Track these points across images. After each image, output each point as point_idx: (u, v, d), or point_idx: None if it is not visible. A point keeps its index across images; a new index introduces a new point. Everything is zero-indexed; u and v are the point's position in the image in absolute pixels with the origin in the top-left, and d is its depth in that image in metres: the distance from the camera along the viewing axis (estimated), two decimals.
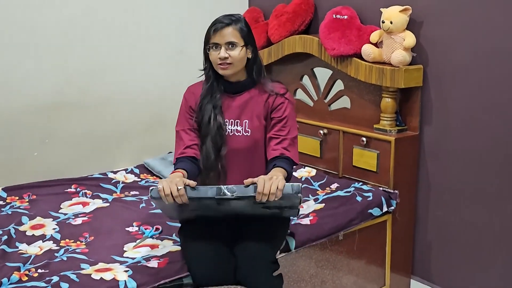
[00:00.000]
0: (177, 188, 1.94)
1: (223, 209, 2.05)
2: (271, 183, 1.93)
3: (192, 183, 1.99)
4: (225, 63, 2.17)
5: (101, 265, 2.12)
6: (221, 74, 2.23)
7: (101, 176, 3.11)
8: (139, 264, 2.11)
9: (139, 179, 3.14)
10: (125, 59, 3.33)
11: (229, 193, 1.95)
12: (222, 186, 1.97)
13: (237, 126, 2.26)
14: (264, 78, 2.29)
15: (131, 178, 3.14)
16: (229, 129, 2.25)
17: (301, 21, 3.22)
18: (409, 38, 2.68)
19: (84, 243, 2.34)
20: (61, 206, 2.73)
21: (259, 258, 2.07)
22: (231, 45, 2.17)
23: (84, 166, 3.23)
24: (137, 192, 2.94)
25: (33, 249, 2.28)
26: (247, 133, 2.25)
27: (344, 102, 3.14)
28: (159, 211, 2.63)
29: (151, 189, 2.00)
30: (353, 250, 2.64)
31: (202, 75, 2.30)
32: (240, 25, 2.21)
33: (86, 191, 2.91)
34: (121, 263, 2.14)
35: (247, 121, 2.25)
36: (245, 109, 2.26)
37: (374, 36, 2.81)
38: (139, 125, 3.45)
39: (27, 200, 2.78)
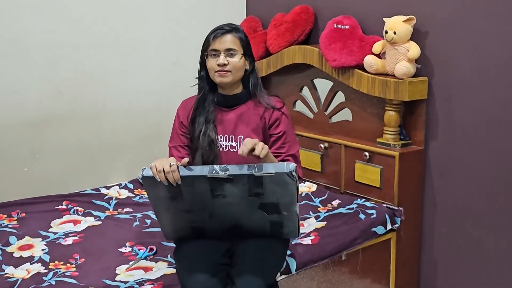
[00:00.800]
0: (170, 164, 1.88)
1: (218, 208, 1.96)
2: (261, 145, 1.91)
3: (185, 161, 1.93)
4: (223, 70, 2.09)
5: None
6: (217, 85, 2.15)
7: (94, 191, 3.00)
8: None
9: (133, 195, 3.03)
10: (118, 69, 3.23)
11: (221, 172, 1.88)
12: (215, 165, 1.91)
13: (232, 142, 2.17)
14: (260, 91, 2.21)
15: (124, 193, 3.03)
16: (223, 145, 2.17)
17: (301, 31, 3.12)
18: (414, 49, 2.59)
19: (74, 266, 2.22)
20: (51, 225, 2.62)
21: (258, 281, 1.95)
22: (231, 52, 2.10)
23: (76, 181, 3.12)
24: (130, 209, 2.83)
25: (20, 273, 2.16)
26: None
27: (345, 114, 3.04)
28: (153, 229, 2.54)
29: (144, 168, 1.93)
30: (357, 270, 2.54)
31: (195, 84, 2.21)
32: (240, 34, 2.16)
33: (77, 208, 2.80)
34: None
35: (242, 136, 2.15)
36: (240, 124, 2.17)
37: (377, 47, 2.72)
38: (133, 137, 3.34)
39: (16, 218, 2.67)
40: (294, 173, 1.87)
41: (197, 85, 2.21)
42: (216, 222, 2.05)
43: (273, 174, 1.87)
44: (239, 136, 2.16)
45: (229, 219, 2.04)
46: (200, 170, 1.92)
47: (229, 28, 2.13)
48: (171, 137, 2.25)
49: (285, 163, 1.90)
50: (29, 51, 2.94)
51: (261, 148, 1.92)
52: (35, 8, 2.93)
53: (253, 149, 1.92)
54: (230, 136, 2.16)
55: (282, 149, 2.14)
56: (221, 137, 2.17)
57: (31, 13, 2.92)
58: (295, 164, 1.89)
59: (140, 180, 1.97)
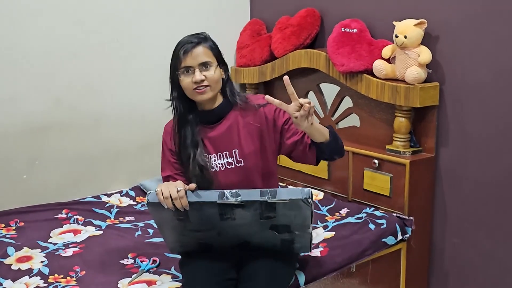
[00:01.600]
0: (177, 189, 1.78)
1: (227, 227, 1.87)
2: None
3: (193, 186, 1.83)
4: (202, 86, 1.94)
5: None
6: (196, 102, 2.01)
7: (94, 199, 2.93)
8: None
9: (135, 203, 2.95)
10: (118, 76, 3.14)
11: (232, 198, 1.78)
12: (225, 190, 1.81)
13: (227, 158, 2.03)
14: (239, 96, 2.06)
15: (126, 201, 2.96)
16: (219, 164, 2.03)
17: (307, 34, 3.04)
18: (425, 54, 2.51)
19: (74, 279, 2.14)
20: (50, 235, 2.54)
21: None
22: (205, 65, 1.95)
23: (76, 188, 3.04)
24: (132, 218, 2.76)
25: (18, 287, 2.08)
26: (240, 164, 2.02)
27: (353, 120, 2.96)
28: (156, 239, 2.46)
29: (149, 193, 1.84)
30: (366, 282, 2.46)
31: (169, 106, 2.06)
32: (210, 43, 2.00)
33: (78, 217, 2.72)
34: None
35: (236, 150, 2.02)
36: (231, 136, 2.03)
37: (387, 51, 2.64)
38: (134, 144, 3.26)
39: (14, 227, 2.59)
40: (310, 200, 1.77)
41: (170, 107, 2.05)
42: (224, 240, 1.97)
43: (287, 201, 1.78)
44: (233, 151, 2.02)
45: (239, 238, 1.97)
46: (209, 195, 1.83)
47: (198, 40, 1.97)
48: (162, 167, 2.11)
49: (300, 188, 1.79)
50: (28, 59, 2.86)
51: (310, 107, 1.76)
52: (34, 15, 2.84)
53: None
54: (224, 152, 2.03)
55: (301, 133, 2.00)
56: (214, 156, 2.03)
57: (29, 20, 2.84)
58: (310, 190, 1.78)
59: (146, 205, 1.87)
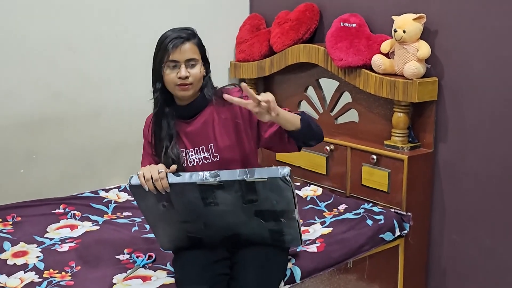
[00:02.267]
0: (158, 171, 1.80)
1: (212, 216, 1.88)
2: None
3: (174, 167, 1.85)
4: (185, 83, 1.94)
5: None
6: (174, 96, 2.01)
7: (92, 194, 2.91)
8: None
9: (133, 198, 2.93)
10: (117, 70, 3.13)
11: (211, 179, 1.79)
12: (205, 171, 1.82)
13: (204, 153, 2.03)
14: (217, 91, 2.06)
15: (124, 196, 2.95)
16: (196, 158, 2.03)
17: (306, 29, 3.02)
18: (424, 49, 2.49)
19: (69, 274, 2.13)
20: (47, 230, 2.53)
21: None
22: (192, 62, 1.95)
23: (74, 183, 3.03)
24: (129, 213, 2.75)
25: (13, 282, 2.07)
26: (216, 158, 2.02)
27: (352, 115, 2.94)
28: (152, 235, 2.43)
29: (131, 176, 1.86)
30: (363, 278, 2.45)
31: (152, 98, 2.06)
32: (197, 40, 2.00)
33: (75, 212, 2.71)
34: None
35: (212, 144, 2.02)
36: (207, 131, 2.03)
37: (385, 46, 2.62)
38: (133, 139, 3.22)
39: (11, 222, 2.58)
40: (288, 178, 1.76)
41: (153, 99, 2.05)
42: (212, 232, 1.97)
43: (265, 179, 1.77)
44: (209, 145, 2.02)
45: (226, 228, 1.96)
46: (189, 177, 1.84)
47: (187, 35, 1.96)
48: (142, 159, 2.13)
49: (279, 167, 1.79)
50: (26, 52, 2.85)
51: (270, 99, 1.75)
52: (32, 8, 2.83)
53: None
54: (201, 147, 2.03)
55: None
56: (191, 150, 2.03)
57: (27, 13, 2.82)
58: (289, 168, 1.77)
59: (128, 188, 1.88)
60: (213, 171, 1.80)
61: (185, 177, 1.83)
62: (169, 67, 1.95)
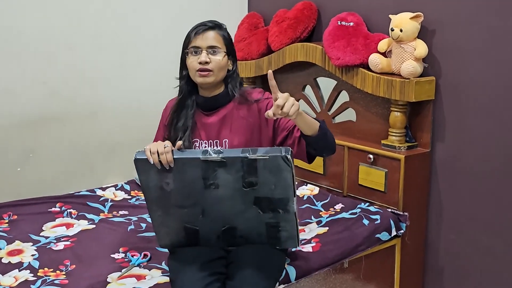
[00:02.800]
0: (164, 146, 1.81)
1: (211, 202, 1.89)
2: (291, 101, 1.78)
3: (180, 143, 1.87)
4: (205, 69, 1.98)
5: None
6: (198, 85, 2.04)
7: (89, 193, 2.90)
8: None
9: (130, 197, 2.94)
10: (115, 67, 3.13)
11: (215, 154, 1.80)
12: (209, 148, 1.86)
13: (217, 147, 2.05)
14: (241, 89, 2.09)
15: (120, 195, 2.94)
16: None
17: (304, 27, 3.01)
18: (421, 48, 2.48)
19: (64, 273, 2.13)
20: (43, 228, 2.53)
21: None
22: (214, 49, 1.99)
23: (71, 182, 3.04)
24: (126, 212, 2.74)
25: (7, 280, 2.07)
26: None
27: (349, 114, 2.94)
28: (148, 233, 2.45)
29: (137, 151, 1.89)
30: (359, 278, 2.44)
31: (178, 86, 2.11)
32: (224, 32, 2.05)
33: (71, 210, 2.71)
34: None
35: (226, 140, 2.05)
36: (224, 127, 2.06)
37: (383, 45, 2.61)
38: (131, 138, 3.24)
39: (7, 220, 2.58)
40: (289, 157, 1.76)
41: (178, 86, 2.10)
42: (209, 222, 1.96)
43: (267, 157, 1.78)
44: (224, 140, 2.05)
45: (223, 219, 1.95)
46: (193, 152, 1.87)
47: (212, 25, 2.02)
48: (155, 140, 2.16)
49: (281, 147, 1.79)
50: (23, 50, 2.85)
51: (290, 105, 1.76)
52: (29, 6, 2.83)
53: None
54: (215, 141, 2.06)
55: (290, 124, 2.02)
56: (205, 142, 2.06)
57: (24, 10, 2.83)
58: (290, 149, 1.78)
59: (134, 163, 1.90)
60: (216, 148, 1.84)
61: (189, 153, 1.87)
62: (191, 53, 2.00)
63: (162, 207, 1.96)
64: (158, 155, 1.82)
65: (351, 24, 2.72)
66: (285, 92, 1.85)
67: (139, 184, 2.04)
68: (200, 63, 1.98)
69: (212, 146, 2.06)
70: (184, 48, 2.04)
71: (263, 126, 2.06)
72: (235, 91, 2.07)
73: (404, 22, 2.48)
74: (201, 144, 2.08)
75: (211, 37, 2.00)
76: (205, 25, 2.01)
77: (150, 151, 1.83)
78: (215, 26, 2.03)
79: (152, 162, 1.84)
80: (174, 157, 1.84)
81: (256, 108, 2.06)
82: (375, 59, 2.60)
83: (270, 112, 1.79)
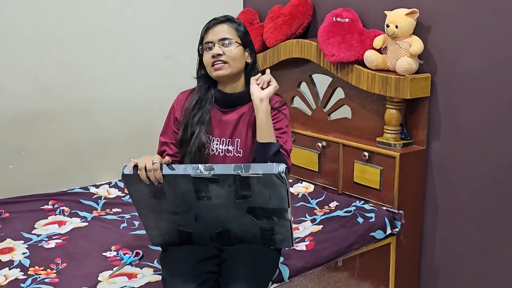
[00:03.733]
0: (153, 162, 1.77)
1: (204, 209, 1.85)
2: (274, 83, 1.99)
3: (168, 159, 1.82)
4: (219, 61, 1.96)
5: None
6: (218, 83, 2.03)
7: (82, 190, 2.88)
8: None
9: (123, 194, 2.91)
10: (108, 64, 3.10)
11: (206, 172, 1.75)
12: (199, 164, 1.79)
13: (229, 146, 2.03)
14: None
15: (114, 192, 2.92)
16: (219, 148, 2.03)
17: (299, 24, 2.99)
18: (416, 44, 2.45)
19: (55, 271, 2.10)
20: (35, 226, 2.50)
21: None
22: (226, 41, 1.98)
23: (65, 179, 3.02)
24: (119, 210, 2.72)
25: None
26: (239, 154, 2.03)
27: (345, 111, 2.91)
28: (141, 231, 2.42)
29: (124, 166, 1.83)
30: (354, 277, 2.42)
31: (196, 86, 2.11)
32: (236, 25, 2.04)
33: (64, 208, 2.68)
34: None
35: (239, 140, 2.03)
36: (239, 126, 2.04)
37: (378, 41, 2.58)
38: (124, 134, 3.22)
39: None
40: (283, 175, 1.73)
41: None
42: (203, 226, 1.93)
43: (260, 175, 1.74)
44: (236, 140, 2.03)
45: (217, 223, 1.93)
46: (183, 169, 1.81)
47: (223, 18, 2.02)
48: (164, 131, 2.12)
49: (274, 164, 1.76)
50: (15, 46, 2.83)
51: (269, 80, 1.96)
52: (22, 2, 2.81)
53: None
54: (228, 139, 2.03)
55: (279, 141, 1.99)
56: (217, 140, 2.04)
57: (16, 5, 2.80)
58: (285, 165, 1.74)
59: (121, 178, 1.86)
60: (207, 165, 1.78)
61: (180, 169, 1.82)
62: (205, 50, 2.00)
63: (154, 212, 1.93)
64: (146, 171, 1.78)
65: (346, 20, 2.70)
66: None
67: (130, 197, 2.00)
68: (213, 56, 1.97)
69: (223, 144, 2.03)
70: (199, 45, 2.03)
71: None
72: None
73: (399, 18, 2.46)
74: (212, 141, 2.05)
75: (222, 30, 1.99)
76: (216, 20, 2.01)
77: (138, 166, 1.79)
78: (226, 19, 2.03)
79: (140, 178, 1.80)
80: (163, 173, 1.80)
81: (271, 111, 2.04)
82: (370, 56, 2.58)
83: (253, 79, 1.95)
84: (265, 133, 1.92)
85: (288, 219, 1.86)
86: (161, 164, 1.81)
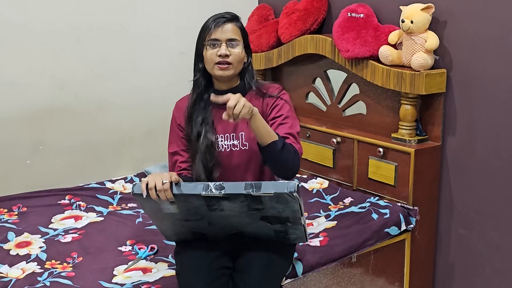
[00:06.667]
0: (162, 182, 1.75)
1: (217, 218, 1.84)
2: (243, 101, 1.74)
3: (177, 179, 1.79)
4: (224, 62, 1.94)
5: None
6: (214, 77, 2.01)
7: (98, 185, 2.92)
8: None
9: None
10: (123, 61, 3.12)
11: (216, 191, 1.74)
12: (210, 183, 1.76)
13: (233, 140, 2.02)
14: (256, 82, 2.06)
15: (130, 188, 2.92)
16: (224, 145, 2.02)
17: (313, 19, 2.98)
18: (432, 39, 2.43)
19: (71, 265, 2.13)
20: (52, 220, 2.54)
21: None
22: (233, 42, 1.95)
23: (81, 175, 3.04)
24: (134, 205, 2.74)
25: (15, 272, 2.08)
26: (245, 147, 2.02)
27: (360, 107, 2.90)
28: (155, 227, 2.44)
29: (134, 184, 1.82)
30: (368, 273, 2.41)
31: (191, 80, 2.06)
32: (241, 24, 2.02)
33: (80, 203, 2.72)
34: None
35: (243, 133, 2.02)
36: (241, 120, 2.01)
37: (393, 37, 2.57)
38: (139, 130, 3.24)
39: (16, 213, 2.60)
40: (295, 194, 1.71)
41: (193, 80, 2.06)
42: (217, 229, 1.94)
43: (272, 194, 1.73)
44: (240, 133, 2.02)
45: (231, 227, 1.93)
46: (194, 187, 1.79)
47: (231, 17, 1.99)
48: (170, 142, 2.10)
49: (286, 182, 1.73)
50: (32, 43, 2.85)
51: (241, 106, 1.73)
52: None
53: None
54: (231, 134, 2.03)
55: (282, 128, 1.96)
56: (221, 136, 2.03)
57: (32, 5, 2.82)
58: (296, 183, 1.72)
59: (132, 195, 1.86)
60: (218, 183, 1.76)
61: (190, 188, 1.79)
62: (210, 46, 1.96)
63: (167, 219, 1.93)
64: (156, 191, 1.77)
65: (361, 15, 2.68)
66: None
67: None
68: (220, 55, 1.94)
69: (228, 140, 2.02)
70: (201, 40, 1.99)
71: (266, 117, 2.02)
72: (252, 83, 2.04)
73: (415, 13, 2.44)
74: (217, 139, 2.04)
75: (230, 30, 1.96)
76: (224, 17, 1.97)
77: (148, 185, 1.77)
78: (233, 18, 1.99)
79: (151, 198, 1.78)
80: (174, 193, 1.78)
81: (265, 103, 2.03)
82: (385, 51, 2.56)
83: (224, 115, 1.75)
84: (265, 136, 1.87)
85: (302, 224, 1.86)
86: (171, 183, 1.79)
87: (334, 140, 2.84)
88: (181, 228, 1.96)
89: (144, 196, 1.78)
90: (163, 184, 1.76)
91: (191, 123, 2.03)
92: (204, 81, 2.02)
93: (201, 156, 1.99)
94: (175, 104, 2.13)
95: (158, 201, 1.79)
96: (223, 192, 1.74)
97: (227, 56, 1.94)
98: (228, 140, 2.03)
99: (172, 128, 2.11)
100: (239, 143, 2.02)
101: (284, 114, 2.00)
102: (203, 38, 1.97)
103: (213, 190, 1.75)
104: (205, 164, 1.98)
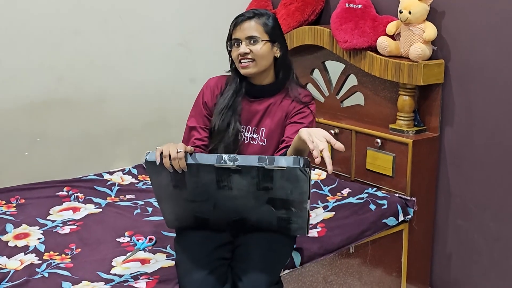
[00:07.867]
0: (177, 150, 1.75)
1: (223, 199, 1.85)
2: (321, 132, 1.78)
3: (191, 149, 1.80)
4: (246, 59, 1.99)
5: (84, 284, 1.92)
6: (242, 74, 2.05)
7: (96, 177, 2.91)
8: (125, 284, 1.91)
9: (137, 181, 2.94)
10: (122, 52, 3.11)
11: (230, 162, 1.75)
12: (224, 154, 1.78)
13: (254, 134, 2.07)
14: (291, 82, 2.10)
15: (128, 179, 2.94)
16: (243, 135, 2.08)
17: (311, 10, 2.97)
18: (430, 30, 2.43)
19: (69, 256, 2.14)
20: (50, 212, 2.54)
21: (262, 280, 1.86)
22: (252, 39, 1.99)
23: (79, 166, 3.04)
24: (133, 196, 2.74)
25: (13, 263, 2.08)
26: (262, 142, 2.07)
27: (358, 98, 2.90)
28: (154, 218, 2.45)
29: (148, 152, 1.81)
30: (366, 263, 2.42)
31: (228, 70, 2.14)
32: (264, 19, 2.03)
33: (78, 194, 2.71)
34: (106, 281, 1.94)
35: (264, 129, 2.07)
36: (265, 116, 2.08)
37: (391, 28, 2.57)
38: (137, 122, 3.24)
39: (15, 204, 2.59)
40: (307, 169, 1.72)
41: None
42: (220, 213, 1.94)
43: (284, 168, 1.73)
44: (261, 129, 2.07)
45: (234, 212, 1.94)
46: (207, 158, 1.79)
47: (251, 15, 2.02)
48: (192, 115, 2.13)
49: (299, 157, 1.74)
50: (30, 35, 2.85)
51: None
52: None
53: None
54: (253, 128, 2.08)
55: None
56: (243, 127, 2.07)
57: None
58: (308, 159, 1.74)
59: (144, 165, 1.86)
60: (232, 155, 1.77)
61: (203, 159, 1.80)
62: (233, 45, 2.03)
63: (172, 199, 1.94)
64: (170, 159, 1.77)
65: (359, 6, 2.68)
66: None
67: (150, 184, 1.99)
68: (240, 54, 2.00)
69: (249, 133, 2.08)
70: (228, 40, 2.06)
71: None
72: (288, 84, 2.09)
73: (413, 4, 2.43)
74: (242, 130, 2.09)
75: (249, 28, 2.00)
76: (243, 16, 2.02)
77: (162, 153, 1.78)
78: (254, 15, 2.02)
79: (164, 166, 1.79)
80: (187, 162, 1.78)
81: (291, 106, 2.07)
82: (383, 42, 2.56)
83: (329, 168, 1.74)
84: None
85: (307, 210, 1.87)
86: (185, 153, 1.80)
87: (332, 131, 2.84)
88: (184, 212, 1.96)
89: (158, 163, 1.77)
90: (177, 152, 1.76)
91: (221, 112, 2.06)
92: (237, 77, 2.08)
93: (225, 144, 2.04)
94: (207, 80, 2.17)
95: (170, 170, 1.79)
96: (236, 163, 1.75)
97: (246, 53, 1.99)
98: (249, 132, 2.08)
99: (197, 103, 2.14)
100: (258, 137, 2.07)
101: (306, 124, 2.04)
102: (228, 39, 2.05)
103: (227, 160, 1.76)
104: (227, 152, 2.02)
